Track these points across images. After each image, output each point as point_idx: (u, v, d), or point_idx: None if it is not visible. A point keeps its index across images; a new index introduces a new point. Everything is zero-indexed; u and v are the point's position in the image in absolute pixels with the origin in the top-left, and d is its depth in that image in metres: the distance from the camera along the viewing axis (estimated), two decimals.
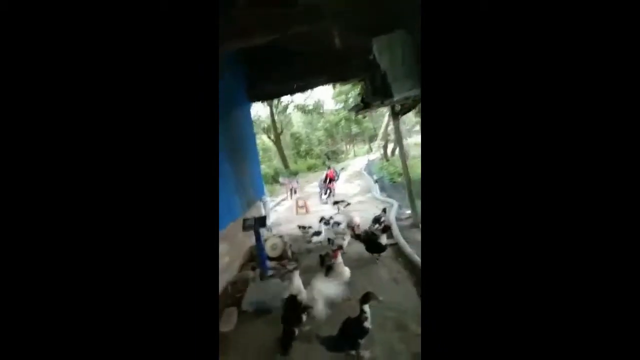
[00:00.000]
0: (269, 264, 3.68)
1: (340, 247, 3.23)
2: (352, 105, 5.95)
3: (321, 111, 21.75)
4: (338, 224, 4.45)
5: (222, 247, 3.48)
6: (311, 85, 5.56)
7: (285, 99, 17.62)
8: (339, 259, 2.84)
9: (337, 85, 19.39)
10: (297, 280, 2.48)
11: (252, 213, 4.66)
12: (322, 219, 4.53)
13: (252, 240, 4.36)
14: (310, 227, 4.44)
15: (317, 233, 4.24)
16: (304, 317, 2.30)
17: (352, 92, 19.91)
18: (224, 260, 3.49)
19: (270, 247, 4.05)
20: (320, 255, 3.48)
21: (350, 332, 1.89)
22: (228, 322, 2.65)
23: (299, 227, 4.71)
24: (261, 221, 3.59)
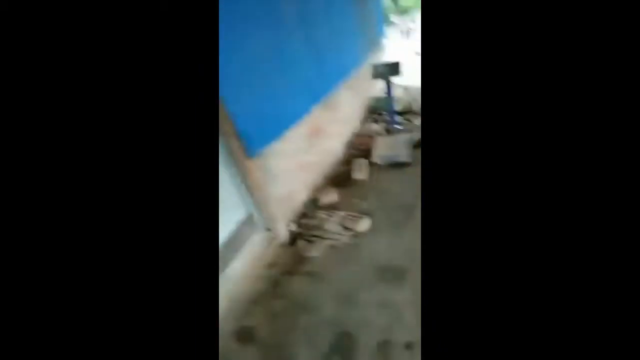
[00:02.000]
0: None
1: None
2: None
3: None
4: None
5: (346, 93, 3.25)
6: None
7: None
8: None
9: None
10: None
11: (376, 57, 4.07)
12: None
13: (373, 89, 4.01)
14: None
15: None
16: None
17: None
18: (345, 109, 3.33)
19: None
20: None
21: None
22: (361, 171, 2.73)
23: None
24: (394, 68, 3.06)
